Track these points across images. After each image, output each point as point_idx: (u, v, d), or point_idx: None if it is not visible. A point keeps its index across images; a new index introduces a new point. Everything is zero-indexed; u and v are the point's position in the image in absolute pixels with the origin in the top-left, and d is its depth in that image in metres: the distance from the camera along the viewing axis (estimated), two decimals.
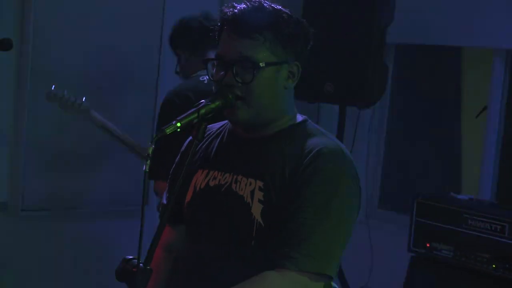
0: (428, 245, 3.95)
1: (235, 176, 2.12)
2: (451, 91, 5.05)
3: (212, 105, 2.00)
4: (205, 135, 2.15)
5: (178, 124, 1.94)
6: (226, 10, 2.10)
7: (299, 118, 2.18)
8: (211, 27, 3.24)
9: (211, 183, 2.16)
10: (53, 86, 3.66)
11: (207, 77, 2.93)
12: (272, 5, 2.11)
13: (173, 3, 4.44)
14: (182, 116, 1.98)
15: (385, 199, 5.08)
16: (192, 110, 1.99)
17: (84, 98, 3.63)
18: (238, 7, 2.08)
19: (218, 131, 2.26)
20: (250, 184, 2.07)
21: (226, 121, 2.23)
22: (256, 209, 2.04)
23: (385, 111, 5.01)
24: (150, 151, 1.87)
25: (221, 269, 2.10)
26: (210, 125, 2.20)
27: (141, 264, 1.88)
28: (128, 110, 4.26)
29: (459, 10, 4.46)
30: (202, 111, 1.98)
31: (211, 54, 3.22)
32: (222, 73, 2.06)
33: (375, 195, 5.09)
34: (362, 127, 4.84)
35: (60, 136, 4.06)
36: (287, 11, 2.11)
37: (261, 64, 2.02)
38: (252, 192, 2.06)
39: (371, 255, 4.77)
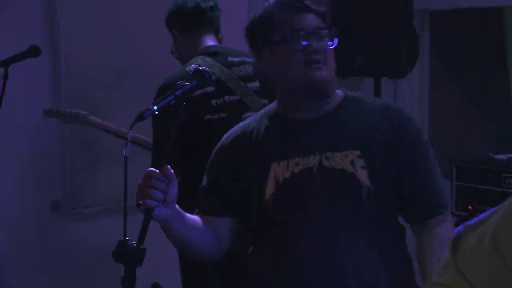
0: (470, 208, 4.00)
1: (322, 155, 2.18)
2: (495, 53, 4.97)
3: (189, 86, 2.07)
4: (245, 135, 2.28)
5: (155, 108, 2.00)
6: None
7: (339, 92, 2.31)
8: (207, 10, 3.25)
9: (296, 170, 2.19)
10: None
11: (194, 66, 2.95)
12: None
13: None
14: (159, 99, 2.05)
15: None
16: (169, 92, 2.05)
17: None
18: None
19: (262, 126, 2.30)
20: (346, 156, 2.16)
21: (260, 115, 2.34)
22: (362, 175, 2.13)
23: (426, 80, 4.94)
24: (128, 136, 1.94)
25: (345, 242, 2.14)
26: (241, 125, 2.33)
27: (134, 244, 1.93)
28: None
29: None
30: (179, 92, 2.04)
31: (206, 39, 3.23)
32: (305, 43, 2.19)
33: None
34: (402, 99, 4.80)
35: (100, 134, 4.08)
36: None
37: (329, 43, 2.22)
38: (352, 162, 2.14)
39: None
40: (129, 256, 1.92)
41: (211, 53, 3.17)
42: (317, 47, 2.19)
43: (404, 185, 2.21)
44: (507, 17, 4.84)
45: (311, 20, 2.25)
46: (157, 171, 2.02)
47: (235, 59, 3.22)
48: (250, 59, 3.25)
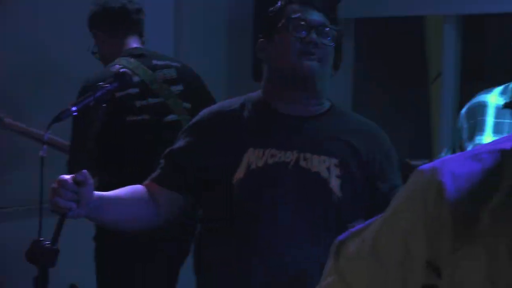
0: None
1: (301, 154, 2.19)
2: (416, 60, 5.08)
3: (110, 87, 2.09)
4: (227, 113, 2.29)
5: (74, 109, 2.02)
6: None
7: (328, 101, 2.37)
8: (132, 12, 3.22)
9: (270, 161, 2.20)
10: None
11: (118, 67, 2.94)
12: None
13: None
14: (77, 100, 2.07)
15: None
16: (89, 93, 2.06)
17: None
18: None
19: (246, 110, 2.30)
20: (324, 161, 2.18)
21: (243, 99, 2.34)
22: (335, 184, 2.16)
23: (349, 84, 5.01)
24: (45, 137, 2.01)
25: (301, 243, 2.17)
26: (223, 104, 2.36)
27: (47, 244, 1.94)
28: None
29: None
30: (98, 94, 2.04)
31: (130, 41, 3.21)
32: (304, 33, 2.22)
33: None
34: None
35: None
36: None
37: (331, 44, 2.24)
38: (328, 169, 2.17)
39: None
40: (42, 256, 1.93)
41: (135, 55, 3.16)
42: (316, 40, 2.20)
43: (374, 201, 2.24)
44: (429, 25, 4.95)
45: (316, 16, 2.26)
46: (67, 178, 2.00)
47: (160, 63, 3.22)
48: (175, 63, 3.27)
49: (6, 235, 4.14)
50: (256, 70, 4.36)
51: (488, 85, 4.72)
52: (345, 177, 2.19)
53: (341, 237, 1.42)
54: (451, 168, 1.24)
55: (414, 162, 4.06)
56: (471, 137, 2.85)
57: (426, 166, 1.28)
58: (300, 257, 2.18)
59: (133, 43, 3.20)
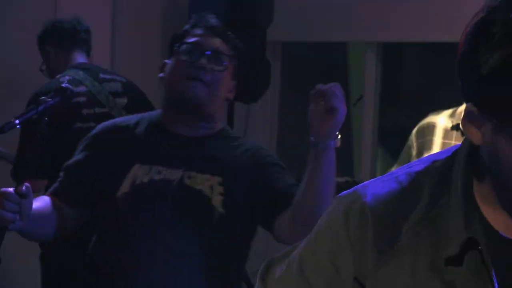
0: None
1: (185, 172, 2.17)
2: (338, 83, 5.16)
3: (52, 102, 2.07)
4: (121, 129, 2.28)
5: (17, 121, 2.01)
6: (195, 16, 2.35)
7: (222, 124, 2.35)
8: (81, 31, 3.32)
9: (156, 178, 2.18)
10: None
11: (67, 78, 3.04)
12: None
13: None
14: (20, 113, 2.05)
15: None
16: (31, 106, 2.06)
17: None
18: (207, 16, 2.32)
19: (139, 127, 2.29)
20: (208, 180, 2.16)
21: (140, 116, 2.32)
22: (217, 201, 2.14)
23: (275, 104, 5.04)
24: None
25: (176, 258, 2.15)
26: (119, 119, 2.37)
27: None
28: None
29: (336, 6, 4.51)
30: (41, 107, 2.03)
31: (78, 56, 3.29)
32: (196, 57, 2.19)
33: None
34: (252, 122, 4.91)
35: None
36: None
37: (225, 63, 2.21)
38: (211, 187, 2.15)
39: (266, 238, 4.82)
40: None
41: (83, 68, 3.26)
42: (205, 66, 2.17)
43: (267, 208, 2.22)
44: (351, 51, 5.03)
45: (214, 42, 2.23)
46: (10, 190, 1.97)
47: (106, 76, 3.34)
48: (120, 78, 3.38)
49: None
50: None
51: (404, 108, 4.85)
52: (228, 194, 2.16)
53: (265, 262, 1.43)
54: (372, 190, 1.27)
55: (337, 179, 4.15)
56: (419, 154, 2.94)
57: (346, 192, 1.31)
58: (174, 273, 2.16)
59: (81, 58, 3.34)
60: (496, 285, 1.16)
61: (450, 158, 1.25)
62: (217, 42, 2.23)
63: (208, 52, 2.19)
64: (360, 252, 1.26)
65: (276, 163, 2.33)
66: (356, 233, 1.25)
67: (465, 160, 1.21)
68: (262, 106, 4.90)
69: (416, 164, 1.29)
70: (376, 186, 1.28)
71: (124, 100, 3.31)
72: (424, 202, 1.23)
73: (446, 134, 2.91)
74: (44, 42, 3.36)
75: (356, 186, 1.31)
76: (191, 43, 2.21)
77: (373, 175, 4.50)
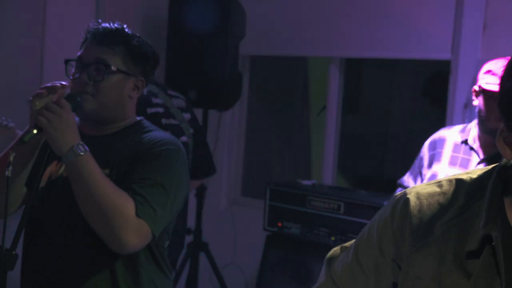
0: (280, 224, 4.10)
1: None
2: (300, 94, 5.24)
3: (31, 134, 2.00)
4: None
5: (35, 131, 1.98)
6: (92, 25, 2.19)
7: (138, 118, 2.26)
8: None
9: (65, 174, 2.15)
10: None
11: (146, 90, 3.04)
12: (131, 31, 2.22)
13: (53, 16, 4.25)
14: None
15: (247, 188, 5.14)
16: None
17: None
18: (102, 24, 2.18)
19: None
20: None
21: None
22: None
23: (244, 112, 5.09)
24: (11, 158, 1.92)
25: (72, 252, 2.12)
26: None
27: (7, 249, 1.91)
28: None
29: (303, 24, 4.57)
30: (26, 138, 1.98)
31: None
32: (78, 74, 2.12)
33: (238, 185, 5.14)
34: (224, 127, 4.95)
35: None
36: (141, 38, 2.22)
37: (112, 68, 2.11)
38: None
39: (234, 236, 4.87)
40: (2, 261, 1.89)
41: (155, 83, 3.33)
42: (86, 80, 2.10)
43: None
44: (311, 65, 5.14)
45: (95, 52, 2.13)
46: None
47: (173, 93, 3.47)
48: (182, 96, 3.55)
49: None
50: (167, 81, 4.43)
51: (363, 119, 4.94)
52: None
53: (332, 250, 1.59)
54: (417, 190, 1.41)
55: (305, 182, 4.24)
56: (430, 165, 3.04)
57: (400, 190, 1.43)
58: (63, 264, 2.14)
59: None
60: (502, 276, 1.25)
61: (489, 172, 1.36)
62: (99, 51, 2.12)
63: (88, 65, 2.11)
64: (399, 238, 1.39)
65: (157, 157, 2.12)
66: (398, 223, 1.39)
67: (497, 173, 1.32)
68: (232, 113, 4.97)
69: (460, 175, 1.41)
70: (420, 188, 1.41)
71: (188, 116, 3.47)
72: (458, 205, 1.35)
73: (455, 147, 3.01)
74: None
75: (407, 188, 1.46)
76: (76, 58, 2.15)
77: (335, 181, 4.62)
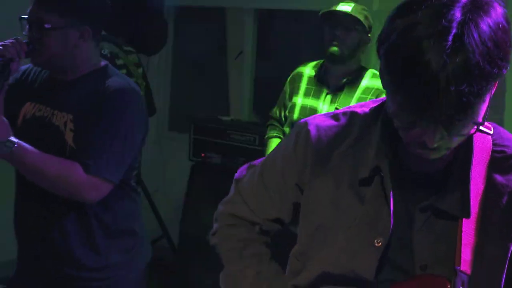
0: (203, 155, 4.17)
1: (52, 110, 2.12)
2: (219, 41, 5.23)
3: None
4: (26, 74, 2.21)
5: None
6: None
7: (102, 63, 2.19)
8: None
9: (37, 114, 2.15)
10: None
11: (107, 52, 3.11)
12: None
13: None
14: None
15: (172, 123, 5.15)
16: None
17: None
18: None
19: (42, 71, 2.22)
20: (63, 117, 2.09)
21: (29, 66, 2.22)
22: (68, 136, 2.07)
23: (169, 57, 5.08)
24: None
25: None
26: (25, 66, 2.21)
27: None
28: None
29: None
30: None
31: None
32: (27, 29, 2.07)
33: (165, 121, 5.16)
34: (152, 70, 4.91)
35: None
36: None
37: (46, 26, 2.02)
38: (65, 123, 2.08)
39: (163, 166, 4.93)
40: None
41: (115, 41, 3.33)
42: (30, 37, 2.05)
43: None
44: (229, 14, 5.10)
45: (35, 11, 2.04)
46: None
47: (127, 49, 3.42)
48: (134, 50, 3.47)
49: None
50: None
51: (274, 63, 4.99)
52: (79, 130, 2.06)
53: (241, 168, 1.56)
54: (316, 122, 1.39)
55: (224, 118, 4.32)
56: (290, 98, 3.16)
57: (302, 120, 1.43)
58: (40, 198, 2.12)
59: None
60: (390, 202, 1.26)
61: (380, 105, 1.35)
62: (37, 10, 2.04)
63: (31, 23, 2.05)
64: (301, 165, 1.38)
65: (108, 111, 2.07)
66: (300, 151, 1.39)
67: (385, 112, 1.29)
68: (159, 57, 4.94)
69: (354, 107, 1.40)
70: (320, 120, 1.40)
71: (141, 70, 3.36)
72: (353, 136, 1.34)
73: (310, 82, 3.13)
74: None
75: (308, 118, 1.44)
76: (25, 16, 2.08)
77: (250, 114, 4.70)
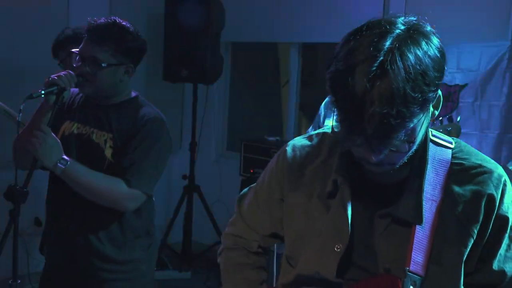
0: (252, 170, 4.23)
1: (92, 129, 2.17)
2: (271, 71, 5.28)
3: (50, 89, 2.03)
4: (70, 97, 2.23)
5: (43, 92, 2.00)
6: (91, 21, 2.12)
7: (133, 94, 2.25)
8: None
9: (76, 131, 2.18)
10: None
11: None
12: (123, 23, 2.13)
13: (75, 9, 4.21)
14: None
15: (230, 144, 5.19)
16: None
17: None
18: (98, 22, 2.11)
19: (79, 95, 2.26)
20: (103, 135, 2.15)
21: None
22: (108, 152, 2.12)
23: (227, 87, 5.12)
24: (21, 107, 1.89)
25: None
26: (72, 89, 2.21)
27: (20, 187, 1.91)
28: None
29: (271, 17, 4.55)
30: (34, 96, 1.99)
31: None
32: (80, 63, 2.11)
33: (224, 142, 5.19)
34: (212, 99, 4.99)
35: None
36: (132, 29, 2.14)
37: (103, 65, 2.08)
38: (105, 141, 2.13)
39: (220, 180, 4.98)
40: (16, 196, 1.89)
41: None
42: (83, 71, 2.07)
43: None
44: (280, 48, 5.10)
45: (89, 49, 2.07)
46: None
47: None
48: None
49: None
50: (165, 71, 4.50)
51: (319, 90, 4.96)
52: (116, 147, 2.11)
53: (243, 191, 1.56)
54: (294, 143, 1.41)
55: (270, 138, 4.36)
56: (323, 121, 3.17)
57: (287, 143, 1.44)
58: (81, 205, 2.13)
59: None
60: (348, 211, 1.26)
61: None
62: (92, 49, 2.07)
63: (85, 59, 2.08)
64: (281, 181, 1.39)
65: (144, 138, 2.11)
66: (279, 169, 1.40)
67: None
68: (217, 87, 5.00)
69: (326, 129, 1.41)
70: (296, 141, 1.42)
71: None
72: (323, 154, 1.35)
73: None
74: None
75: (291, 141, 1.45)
76: (74, 53, 2.11)
77: (295, 135, 4.68)
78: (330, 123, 3.23)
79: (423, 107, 1.08)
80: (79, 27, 3.09)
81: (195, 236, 4.80)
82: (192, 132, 4.65)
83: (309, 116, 4.66)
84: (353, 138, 1.09)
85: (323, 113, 3.19)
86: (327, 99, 3.22)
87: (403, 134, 1.09)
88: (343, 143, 1.15)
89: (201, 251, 4.79)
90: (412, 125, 1.08)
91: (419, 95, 1.05)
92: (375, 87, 1.03)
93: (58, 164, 1.98)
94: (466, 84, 3.38)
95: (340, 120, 1.10)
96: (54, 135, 2.01)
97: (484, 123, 3.33)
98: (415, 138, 1.13)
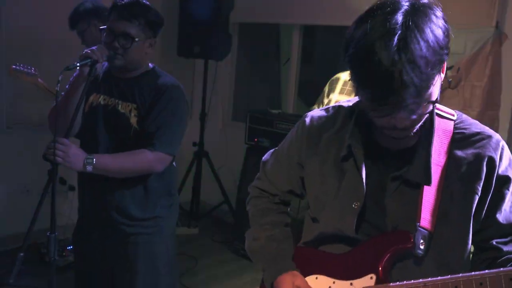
0: (255, 140, 4.20)
1: (117, 100, 2.16)
2: (273, 50, 5.25)
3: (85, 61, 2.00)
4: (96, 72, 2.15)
5: (78, 64, 1.97)
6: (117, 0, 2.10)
7: (151, 65, 2.24)
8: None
9: (102, 102, 2.18)
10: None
11: None
12: (143, 1, 2.13)
13: None
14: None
15: (235, 115, 5.16)
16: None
17: (33, 69, 3.08)
18: (124, 0, 2.09)
19: (104, 69, 2.24)
20: (128, 106, 2.14)
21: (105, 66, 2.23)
22: (133, 120, 2.13)
23: (234, 63, 5.07)
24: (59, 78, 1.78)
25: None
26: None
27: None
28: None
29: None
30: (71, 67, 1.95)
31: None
32: (110, 38, 2.07)
33: (229, 113, 5.17)
34: (220, 74, 4.94)
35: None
36: (152, 6, 2.14)
37: (136, 39, 2.08)
38: (130, 111, 2.13)
39: (226, 147, 4.94)
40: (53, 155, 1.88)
41: None
42: (117, 45, 2.05)
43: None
44: (282, 28, 5.03)
45: (123, 25, 2.04)
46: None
47: None
48: None
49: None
50: (179, 47, 4.47)
51: (317, 68, 4.92)
52: (140, 116, 2.10)
53: (267, 153, 1.59)
54: (312, 114, 1.44)
55: (273, 111, 4.35)
56: (328, 95, 3.17)
57: (306, 114, 1.46)
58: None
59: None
60: (362, 172, 1.28)
61: (358, 102, 1.37)
62: (123, 25, 2.05)
63: (118, 35, 2.06)
64: (300, 147, 1.42)
65: (167, 102, 2.11)
66: (298, 136, 1.43)
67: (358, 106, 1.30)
68: (225, 63, 4.95)
69: (342, 102, 1.42)
70: (314, 112, 1.44)
71: None
72: (338, 125, 1.37)
73: (345, 83, 3.11)
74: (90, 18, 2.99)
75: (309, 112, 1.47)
76: (105, 29, 2.08)
77: (295, 110, 4.68)
78: (333, 97, 3.19)
79: (439, 69, 1.12)
80: (98, 1, 3.03)
81: (203, 196, 4.82)
82: (202, 103, 4.63)
83: (307, 91, 4.66)
84: (382, 109, 1.11)
85: (326, 90, 3.19)
86: (331, 78, 3.20)
87: (429, 95, 1.12)
88: (370, 114, 1.16)
89: (208, 210, 4.85)
90: (432, 87, 1.12)
91: (438, 58, 1.09)
92: (401, 57, 1.04)
93: (87, 166, 1.99)
94: (452, 66, 3.38)
95: (365, 94, 1.11)
96: (74, 145, 1.99)
97: (467, 101, 3.34)
98: (435, 98, 1.15)
